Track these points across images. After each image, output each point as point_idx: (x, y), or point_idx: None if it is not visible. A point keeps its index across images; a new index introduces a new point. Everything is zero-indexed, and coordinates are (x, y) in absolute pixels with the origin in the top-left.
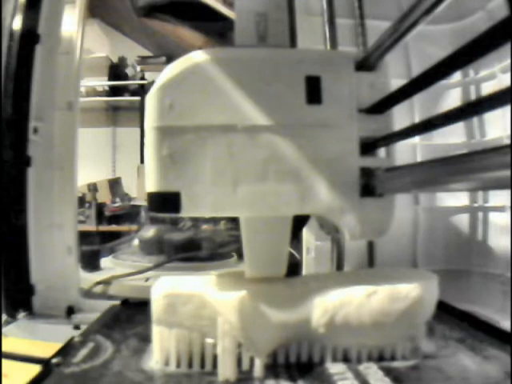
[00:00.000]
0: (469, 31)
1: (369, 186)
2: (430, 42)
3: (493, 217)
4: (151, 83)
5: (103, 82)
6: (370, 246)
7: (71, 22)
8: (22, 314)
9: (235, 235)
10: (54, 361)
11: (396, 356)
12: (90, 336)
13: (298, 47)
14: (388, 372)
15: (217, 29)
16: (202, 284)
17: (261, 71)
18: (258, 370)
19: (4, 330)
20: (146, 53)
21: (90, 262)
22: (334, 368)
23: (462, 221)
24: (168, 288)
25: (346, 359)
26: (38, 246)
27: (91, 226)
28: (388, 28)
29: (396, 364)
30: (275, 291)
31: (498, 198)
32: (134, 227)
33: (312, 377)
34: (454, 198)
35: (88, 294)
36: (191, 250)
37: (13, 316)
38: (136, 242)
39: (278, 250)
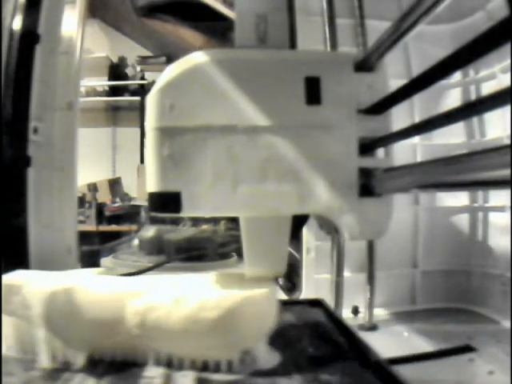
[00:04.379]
0: (469, 31)
1: (367, 186)
2: (430, 42)
3: (493, 217)
4: (151, 83)
5: (103, 82)
6: (370, 246)
7: (71, 22)
8: None
9: (235, 235)
10: None
11: (220, 368)
12: None
13: (298, 48)
14: (201, 383)
15: (217, 29)
16: (45, 278)
17: (261, 72)
18: (76, 363)
19: None
20: (146, 53)
21: (90, 261)
22: (151, 371)
23: (462, 221)
24: (5, 278)
25: (170, 365)
26: (38, 246)
27: (91, 226)
28: (388, 28)
29: (216, 377)
30: (91, 288)
31: (498, 197)
32: (134, 227)
33: (121, 376)
34: (454, 198)
35: None
36: (191, 250)
37: None
38: (136, 241)
39: (277, 249)
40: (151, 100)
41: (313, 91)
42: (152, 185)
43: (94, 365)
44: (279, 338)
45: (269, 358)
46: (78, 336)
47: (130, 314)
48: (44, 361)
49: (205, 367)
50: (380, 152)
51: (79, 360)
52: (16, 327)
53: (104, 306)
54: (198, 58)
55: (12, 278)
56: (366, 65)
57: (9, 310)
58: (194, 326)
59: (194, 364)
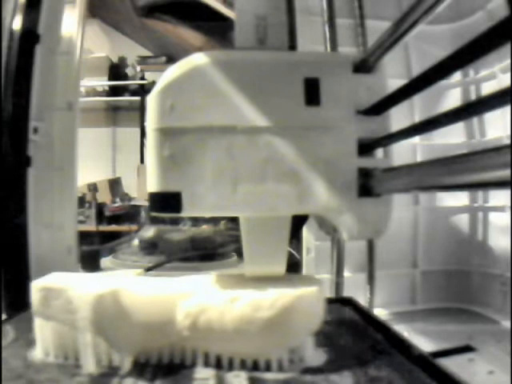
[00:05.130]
0: (469, 31)
1: (366, 186)
2: (430, 42)
3: (493, 217)
4: (151, 83)
5: (103, 82)
6: (370, 246)
7: (71, 22)
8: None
9: (235, 235)
10: None
11: (271, 367)
12: (6, 325)
13: (297, 48)
14: (254, 383)
15: (217, 29)
16: (86, 280)
17: (260, 73)
18: (124, 367)
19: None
20: (146, 53)
21: (90, 262)
22: (202, 373)
23: (462, 221)
24: (43, 282)
25: (219, 365)
26: (37, 246)
27: (91, 226)
28: (388, 28)
29: (268, 376)
30: (139, 290)
31: (498, 197)
32: (134, 227)
33: (173, 379)
34: (454, 198)
35: None
36: (191, 250)
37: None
38: (136, 242)
39: (277, 248)
40: (152, 101)
41: (312, 92)
42: (152, 185)
43: (141, 368)
44: (319, 336)
45: (316, 355)
46: (128, 339)
47: (180, 316)
48: (90, 366)
49: (254, 367)
50: (379, 152)
51: (126, 364)
52: (56, 332)
53: (154, 307)
54: (198, 59)
55: (49, 281)
56: (364, 66)
57: (48, 314)
58: (248, 326)
59: (243, 364)
